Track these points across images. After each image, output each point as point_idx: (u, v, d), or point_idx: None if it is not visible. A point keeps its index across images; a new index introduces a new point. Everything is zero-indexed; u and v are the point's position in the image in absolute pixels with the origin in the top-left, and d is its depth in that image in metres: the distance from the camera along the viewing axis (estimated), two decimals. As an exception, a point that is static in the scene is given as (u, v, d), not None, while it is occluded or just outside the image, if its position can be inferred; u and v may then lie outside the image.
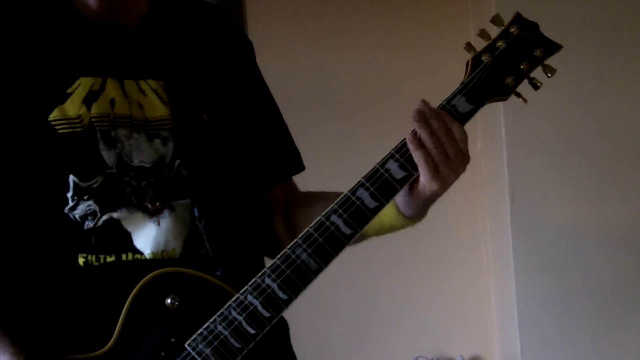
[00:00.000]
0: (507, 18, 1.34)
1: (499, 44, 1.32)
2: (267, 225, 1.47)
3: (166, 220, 1.27)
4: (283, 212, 1.47)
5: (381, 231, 1.34)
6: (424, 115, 1.25)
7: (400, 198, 1.29)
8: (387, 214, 1.30)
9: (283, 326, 1.37)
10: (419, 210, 1.30)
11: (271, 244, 1.46)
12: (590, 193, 2.78)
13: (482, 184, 3.02)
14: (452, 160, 1.24)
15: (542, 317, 2.79)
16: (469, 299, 3.05)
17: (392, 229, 1.34)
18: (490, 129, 2.87)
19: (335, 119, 2.96)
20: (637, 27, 2.78)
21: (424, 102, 1.27)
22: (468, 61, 1.32)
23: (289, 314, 1.30)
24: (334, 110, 2.97)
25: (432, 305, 3.04)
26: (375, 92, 2.98)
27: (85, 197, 1.25)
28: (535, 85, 1.33)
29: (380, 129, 2.86)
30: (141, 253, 1.26)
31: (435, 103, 1.29)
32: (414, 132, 1.25)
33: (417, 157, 1.24)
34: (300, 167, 1.50)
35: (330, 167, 2.68)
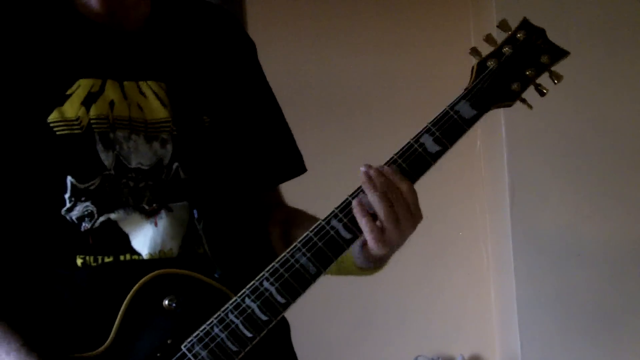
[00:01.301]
0: (511, 21, 1.34)
1: (505, 49, 1.31)
2: (264, 226, 1.47)
3: (163, 220, 1.27)
4: (279, 217, 1.46)
5: (341, 272, 1.32)
6: (370, 177, 1.23)
7: (355, 251, 1.28)
8: (346, 259, 1.29)
9: (284, 326, 1.37)
10: (374, 264, 1.30)
11: (267, 245, 1.45)
12: (590, 193, 2.78)
13: (482, 184, 3.02)
14: (400, 224, 1.23)
15: (542, 316, 2.79)
16: (469, 299, 3.05)
17: (350, 273, 1.33)
18: (490, 129, 2.87)
19: (335, 119, 2.96)
20: (638, 27, 2.78)
21: (368, 166, 1.24)
22: (473, 66, 1.31)
23: (289, 314, 1.30)
24: (333, 110, 2.97)
25: (432, 305, 3.04)
26: (375, 92, 2.98)
27: (83, 199, 1.25)
28: (541, 92, 1.33)
29: (380, 129, 2.87)
30: (139, 254, 1.26)
31: (437, 105, 1.29)
32: (359, 198, 1.23)
33: (362, 225, 1.23)
34: (302, 169, 1.49)
35: (330, 167, 2.68)
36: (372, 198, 1.22)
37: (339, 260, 1.26)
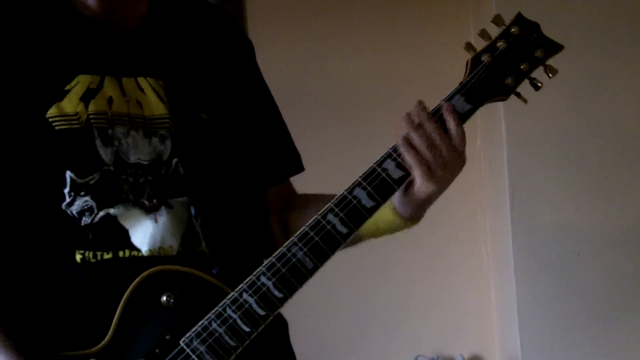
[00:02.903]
0: (508, 18, 1.34)
1: (500, 44, 1.31)
2: (263, 224, 1.47)
3: (163, 217, 1.28)
4: (279, 212, 1.47)
5: (377, 233, 1.33)
6: (417, 117, 1.25)
7: (397, 199, 1.29)
8: (384, 215, 1.30)
9: (282, 324, 1.38)
10: (417, 211, 1.30)
11: (267, 243, 1.46)
12: (590, 193, 2.78)
13: (482, 183, 3.02)
14: (447, 162, 1.24)
15: (542, 317, 2.79)
16: (469, 299, 3.04)
17: (389, 230, 1.33)
18: (490, 128, 2.87)
19: (335, 119, 2.96)
20: (637, 27, 2.78)
21: (420, 103, 1.26)
22: (468, 61, 1.32)
23: (288, 313, 1.30)
24: (333, 110, 2.97)
25: (432, 305, 3.04)
26: (375, 92, 2.98)
27: (82, 193, 1.25)
28: (536, 86, 1.33)
29: (380, 129, 2.86)
30: (138, 250, 1.26)
31: (434, 103, 1.29)
32: (406, 134, 1.25)
33: (409, 159, 1.24)
34: (300, 168, 1.50)
35: (330, 167, 2.68)
36: (414, 136, 1.24)
37: (374, 221, 1.26)
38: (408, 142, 1.24)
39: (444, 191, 1.28)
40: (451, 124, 1.26)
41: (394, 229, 1.34)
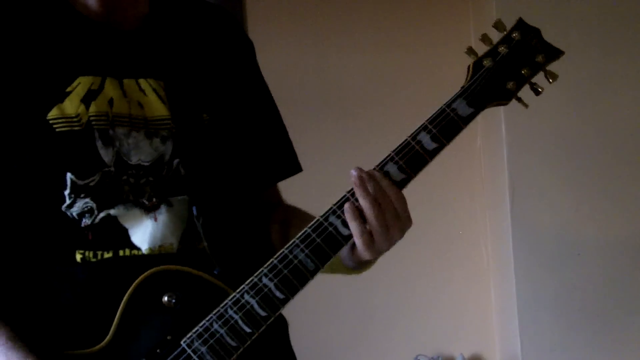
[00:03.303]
0: (508, 21, 1.35)
1: (501, 49, 1.32)
2: (263, 224, 1.47)
3: (163, 215, 1.28)
4: (278, 216, 1.47)
5: (333, 269, 1.33)
6: (362, 180, 1.24)
7: (342, 251, 1.29)
8: (335, 259, 1.29)
9: (282, 324, 1.37)
10: (360, 266, 1.32)
11: (267, 243, 1.46)
12: (590, 193, 2.78)
13: (482, 183, 3.03)
14: (389, 230, 1.24)
15: (542, 316, 2.79)
16: (469, 299, 3.05)
17: (340, 272, 1.35)
18: (490, 129, 2.87)
19: (335, 119, 2.97)
20: (637, 27, 2.78)
21: (359, 169, 1.25)
22: (469, 65, 1.32)
23: (289, 313, 1.30)
24: (333, 110, 2.97)
25: (432, 305, 3.04)
26: (375, 92, 2.98)
27: (82, 195, 1.25)
28: (536, 91, 1.34)
29: (379, 129, 2.87)
30: (138, 249, 1.26)
31: (435, 104, 1.30)
32: (351, 202, 1.25)
33: (352, 228, 1.24)
34: (297, 169, 1.50)
35: (329, 167, 2.68)
36: (363, 202, 1.24)
37: (330, 263, 1.27)
38: (354, 209, 1.24)
39: (382, 255, 1.28)
40: (390, 188, 1.25)
41: (344, 273, 1.35)
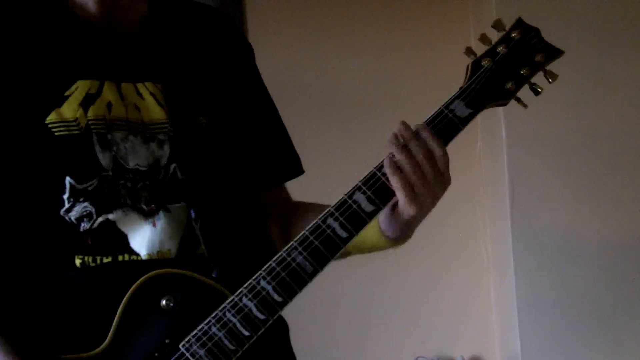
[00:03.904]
0: (508, 21, 1.34)
1: (500, 48, 1.31)
2: (262, 227, 1.47)
3: (161, 221, 1.28)
4: (278, 215, 1.47)
5: (364, 250, 1.32)
6: (402, 138, 1.24)
7: (382, 217, 1.28)
8: (370, 233, 1.29)
9: (283, 327, 1.37)
10: (402, 231, 1.29)
11: (266, 245, 1.46)
12: (590, 193, 2.78)
13: (482, 184, 3.02)
14: (430, 185, 1.23)
15: (542, 317, 2.79)
16: (469, 299, 3.05)
17: (374, 249, 1.33)
18: (490, 129, 2.87)
19: (335, 119, 2.96)
20: (637, 27, 2.78)
21: (403, 124, 1.25)
22: (468, 65, 1.31)
23: (288, 314, 1.30)
24: (333, 110, 2.97)
25: (432, 305, 3.04)
26: (375, 92, 2.98)
27: (81, 199, 1.25)
28: (535, 91, 1.33)
29: (380, 130, 2.86)
30: (137, 254, 1.26)
31: (434, 105, 1.29)
32: (392, 155, 1.24)
33: (393, 182, 1.23)
34: (299, 171, 1.49)
35: (330, 168, 2.68)
36: (401, 158, 1.23)
37: (361, 238, 1.26)
38: (394, 164, 1.24)
39: (428, 213, 1.27)
40: (433, 146, 1.25)
41: (379, 248, 1.34)
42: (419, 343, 3.01)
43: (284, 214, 1.46)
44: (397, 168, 1.23)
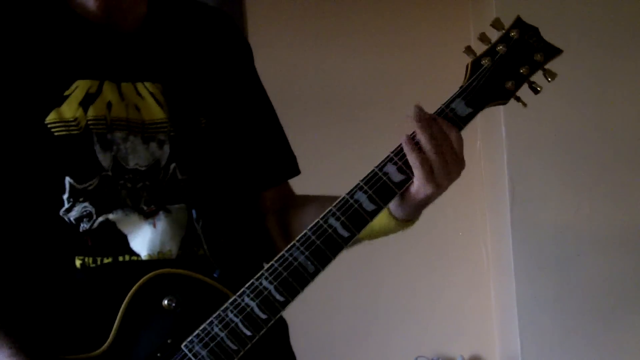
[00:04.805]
0: (507, 20, 1.34)
1: (499, 48, 1.31)
2: (261, 226, 1.47)
3: (162, 222, 1.28)
4: (277, 214, 1.47)
5: (373, 235, 1.33)
6: (424, 118, 1.25)
7: (393, 201, 1.29)
8: (379, 217, 1.29)
9: (282, 326, 1.38)
10: (412, 213, 1.30)
11: (266, 245, 1.46)
12: (590, 193, 2.78)
13: (482, 184, 3.02)
14: (448, 165, 1.24)
15: (542, 317, 2.79)
16: (469, 299, 3.05)
17: (384, 232, 1.33)
18: (490, 129, 2.87)
19: (335, 120, 2.96)
20: (637, 27, 2.78)
21: (419, 108, 1.26)
22: (468, 65, 1.31)
23: (289, 314, 1.30)
24: (333, 110, 2.97)
25: (432, 305, 3.04)
26: (375, 93, 2.98)
27: (81, 199, 1.25)
28: (535, 90, 1.33)
29: (380, 130, 2.86)
30: (138, 255, 1.26)
31: (435, 105, 1.29)
32: (411, 135, 1.25)
33: (412, 159, 1.24)
34: (295, 171, 1.50)
35: (330, 168, 2.68)
36: (423, 137, 1.23)
37: (370, 223, 1.26)
38: (413, 141, 1.24)
39: (440, 195, 1.28)
40: (452, 128, 1.26)
41: (389, 231, 1.34)
42: (419, 342, 3.01)
43: (282, 211, 1.46)
44: (416, 147, 1.24)
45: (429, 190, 1.25)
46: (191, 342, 1.20)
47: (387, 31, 3.01)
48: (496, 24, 1.32)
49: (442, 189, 1.26)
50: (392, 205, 1.29)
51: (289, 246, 1.24)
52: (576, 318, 2.79)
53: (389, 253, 2.84)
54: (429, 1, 3.03)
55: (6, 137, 1.24)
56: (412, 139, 1.25)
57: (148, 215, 1.28)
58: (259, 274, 1.22)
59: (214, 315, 1.21)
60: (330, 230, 1.24)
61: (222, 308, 1.21)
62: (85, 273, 1.24)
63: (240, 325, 1.20)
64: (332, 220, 1.24)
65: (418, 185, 1.25)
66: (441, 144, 1.24)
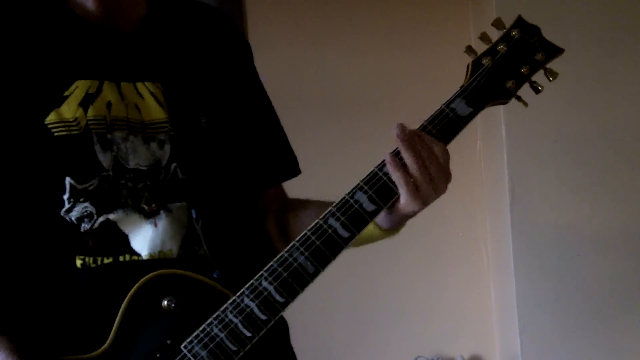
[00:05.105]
0: (507, 20, 1.34)
1: (500, 47, 1.31)
2: (260, 226, 1.47)
3: (162, 221, 1.28)
4: (276, 214, 1.47)
5: (357, 242, 1.32)
6: (407, 136, 1.24)
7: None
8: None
9: (283, 326, 1.37)
10: (397, 223, 1.31)
11: (265, 245, 1.46)
12: (590, 193, 2.78)
13: (482, 184, 3.02)
14: (434, 180, 1.24)
15: (542, 317, 2.79)
16: (469, 299, 3.05)
17: (368, 240, 1.34)
18: (490, 129, 2.87)
19: (335, 120, 2.96)
20: (637, 27, 2.77)
21: (402, 126, 1.25)
22: (468, 64, 1.32)
23: (289, 314, 1.30)
24: (333, 110, 2.97)
25: (432, 305, 3.04)
26: (375, 93, 2.98)
27: (82, 199, 1.25)
28: (536, 89, 1.33)
29: (380, 131, 2.86)
30: (138, 254, 1.26)
31: (435, 105, 1.29)
32: (395, 153, 1.25)
33: (397, 178, 1.24)
34: (296, 171, 1.50)
35: (330, 168, 2.68)
36: (407, 155, 1.23)
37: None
38: (397, 158, 1.24)
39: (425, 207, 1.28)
40: (436, 143, 1.26)
41: (373, 240, 1.34)
42: (419, 342, 3.01)
43: (281, 211, 1.46)
44: (400, 164, 1.24)
45: (416, 206, 1.25)
46: (191, 342, 1.20)
47: (387, 31, 3.01)
48: (497, 23, 1.32)
49: (429, 203, 1.26)
50: (379, 216, 1.29)
51: (288, 247, 1.24)
52: (576, 318, 2.79)
53: (389, 253, 2.84)
54: (429, 1, 3.03)
55: (6, 137, 1.24)
56: (396, 156, 1.25)
57: (149, 215, 1.28)
58: (258, 275, 1.22)
59: (214, 316, 1.21)
60: (330, 231, 1.24)
61: (222, 309, 1.21)
62: (86, 273, 1.24)
63: (240, 326, 1.20)
64: (332, 221, 1.24)
65: (404, 202, 1.25)
66: (425, 160, 1.24)
